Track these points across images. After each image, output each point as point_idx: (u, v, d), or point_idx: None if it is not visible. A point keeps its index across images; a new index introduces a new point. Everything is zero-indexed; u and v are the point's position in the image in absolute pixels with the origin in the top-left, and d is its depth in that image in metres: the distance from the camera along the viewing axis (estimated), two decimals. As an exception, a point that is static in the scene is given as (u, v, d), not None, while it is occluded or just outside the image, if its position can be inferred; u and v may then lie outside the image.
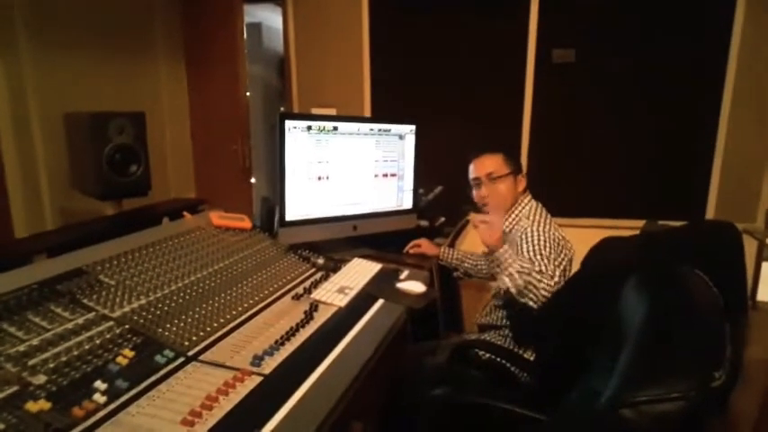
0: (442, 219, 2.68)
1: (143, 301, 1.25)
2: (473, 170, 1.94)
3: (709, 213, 3.26)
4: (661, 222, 2.66)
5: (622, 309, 0.89)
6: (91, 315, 1.14)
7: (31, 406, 0.85)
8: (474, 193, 1.94)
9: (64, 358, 0.99)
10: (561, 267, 1.68)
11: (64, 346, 1.02)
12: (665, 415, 0.66)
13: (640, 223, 2.93)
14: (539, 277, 1.52)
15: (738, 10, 3.03)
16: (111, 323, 1.13)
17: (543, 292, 1.51)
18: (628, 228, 2.99)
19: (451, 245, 2.44)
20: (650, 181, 3.36)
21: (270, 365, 1.09)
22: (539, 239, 1.66)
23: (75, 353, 1.01)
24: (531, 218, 1.79)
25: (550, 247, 1.65)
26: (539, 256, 1.61)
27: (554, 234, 1.71)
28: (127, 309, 1.20)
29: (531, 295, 1.52)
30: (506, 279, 1.56)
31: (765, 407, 1.72)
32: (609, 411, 0.67)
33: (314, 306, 1.42)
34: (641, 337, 0.78)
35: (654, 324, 0.79)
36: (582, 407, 0.91)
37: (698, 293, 0.82)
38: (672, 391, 0.67)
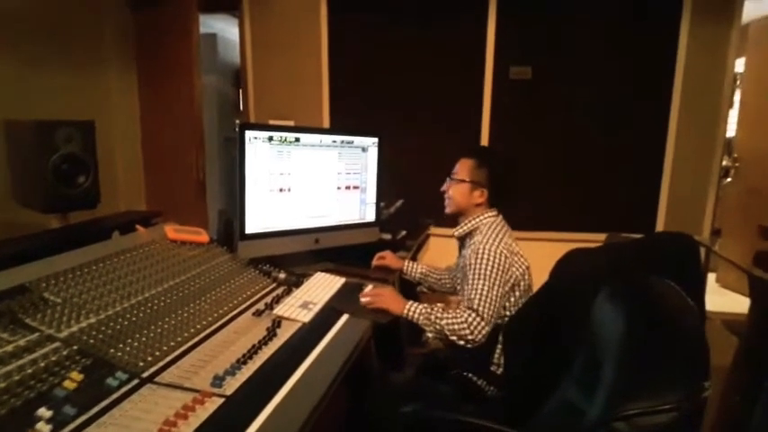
0: (404, 232, 2.67)
1: (93, 320, 1.16)
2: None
3: (659, 227, 3.38)
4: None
5: (595, 320, 0.89)
6: (34, 336, 1.05)
7: (-35, 438, 0.77)
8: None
9: (3, 384, 0.90)
10: (506, 288, 1.72)
11: (3, 370, 0.93)
12: (658, 427, 0.66)
13: (594, 236, 3.01)
14: (468, 330, 1.58)
15: (682, 35, 3.19)
16: (58, 344, 1.05)
17: (479, 336, 1.59)
18: (582, 240, 3.05)
19: (414, 258, 2.43)
20: (602, 196, 3.46)
21: (232, 386, 1.03)
22: (484, 260, 1.69)
23: (16, 377, 0.93)
24: (485, 232, 1.79)
25: (493, 269, 1.67)
26: (479, 288, 1.65)
27: (500, 250, 1.71)
28: (75, 328, 1.11)
29: (461, 342, 1.60)
30: (430, 335, 1.66)
31: (721, 413, 1.77)
32: (602, 426, 0.66)
33: (276, 322, 1.36)
34: (625, 349, 0.77)
35: (636, 335, 0.79)
36: (561, 420, 0.90)
37: (673, 302, 0.83)
38: (664, 402, 0.67)
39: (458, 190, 1.89)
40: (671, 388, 0.69)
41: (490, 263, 1.67)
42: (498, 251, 1.70)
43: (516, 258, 1.77)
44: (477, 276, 1.66)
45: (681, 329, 0.77)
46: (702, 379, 0.70)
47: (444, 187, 1.95)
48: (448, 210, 1.95)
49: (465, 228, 1.88)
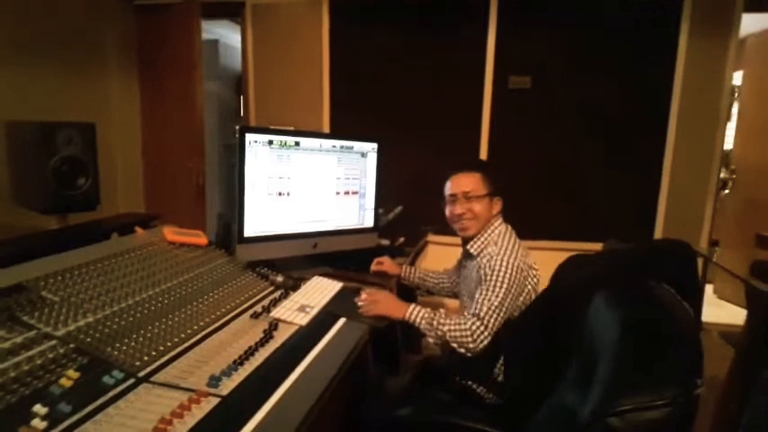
0: (402, 239, 2.67)
1: (90, 319, 1.16)
2: (450, 186, 1.87)
3: (657, 237, 3.39)
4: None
5: (592, 323, 0.90)
6: (31, 333, 1.05)
7: (-40, 433, 0.77)
8: (447, 209, 1.88)
9: (-1, 380, 0.91)
10: (518, 302, 1.68)
11: (-1, 366, 0.94)
12: (652, 423, 0.66)
13: (592, 245, 3.01)
14: (471, 339, 1.54)
15: (680, 47, 3.22)
16: (55, 342, 1.05)
17: (480, 345, 1.55)
18: (581, 250, 3.05)
19: (412, 264, 2.43)
20: (600, 206, 3.47)
21: (228, 386, 1.03)
22: (501, 272, 1.64)
23: (12, 374, 0.93)
24: (500, 244, 1.74)
25: (510, 282, 1.63)
26: (490, 297, 1.60)
27: (518, 264, 1.67)
28: (72, 327, 1.12)
29: (461, 349, 1.55)
30: (430, 340, 1.62)
31: (717, 422, 1.77)
32: (595, 422, 0.66)
33: (273, 325, 1.37)
34: (620, 346, 0.78)
35: (632, 333, 0.79)
36: (557, 422, 0.91)
37: (668, 302, 0.84)
38: (658, 398, 0.67)
39: (481, 206, 1.80)
40: (665, 384, 0.69)
41: (507, 275, 1.63)
42: (516, 264, 1.66)
43: (531, 271, 1.74)
44: (491, 286, 1.62)
45: (675, 328, 0.78)
46: (696, 376, 0.71)
47: (460, 210, 1.82)
48: (472, 231, 1.82)
49: (481, 240, 1.81)
